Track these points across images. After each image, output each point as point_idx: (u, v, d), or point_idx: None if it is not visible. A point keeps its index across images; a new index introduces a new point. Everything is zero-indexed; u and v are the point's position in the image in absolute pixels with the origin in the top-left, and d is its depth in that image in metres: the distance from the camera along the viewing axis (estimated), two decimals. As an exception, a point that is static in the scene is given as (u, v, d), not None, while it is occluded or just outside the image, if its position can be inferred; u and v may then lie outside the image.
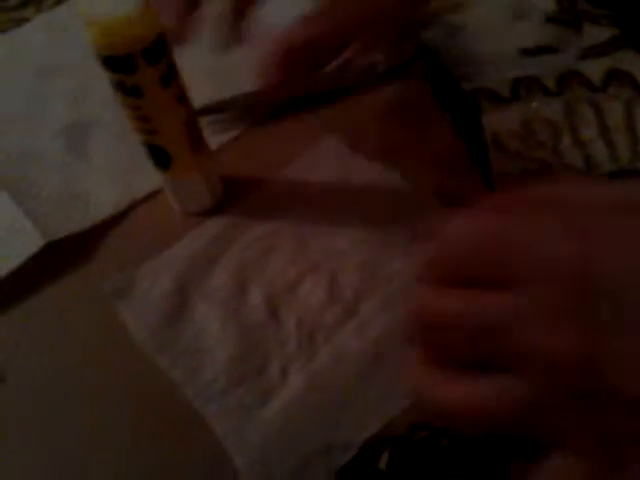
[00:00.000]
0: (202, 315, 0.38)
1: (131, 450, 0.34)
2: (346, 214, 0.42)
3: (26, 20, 0.60)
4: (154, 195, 0.45)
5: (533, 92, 0.48)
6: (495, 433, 0.33)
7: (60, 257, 0.42)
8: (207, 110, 0.48)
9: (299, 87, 0.45)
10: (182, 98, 0.38)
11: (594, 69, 0.48)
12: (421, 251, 0.30)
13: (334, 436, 0.33)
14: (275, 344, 0.37)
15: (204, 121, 0.47)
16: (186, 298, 0.39)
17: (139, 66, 0.34)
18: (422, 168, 0.43)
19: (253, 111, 0.49)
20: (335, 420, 0.34)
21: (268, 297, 0.39)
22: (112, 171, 0.47)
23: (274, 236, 0.41)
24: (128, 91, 0.36)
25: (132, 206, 0.45)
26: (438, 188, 0.42)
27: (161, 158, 0.40)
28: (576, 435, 0.22)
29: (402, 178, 0.43)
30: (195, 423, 0.35)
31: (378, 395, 0.34)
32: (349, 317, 0.37)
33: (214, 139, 0.46)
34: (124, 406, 0.36)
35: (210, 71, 0.51)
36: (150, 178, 0.45)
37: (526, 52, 0.50)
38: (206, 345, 0.37)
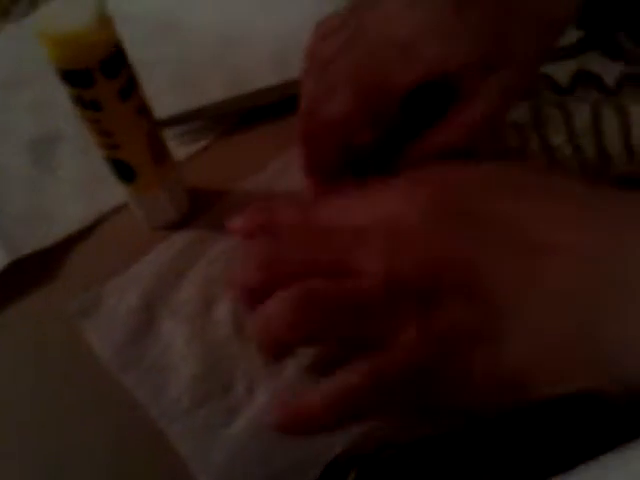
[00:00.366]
0: (168, 332, 0.37)
1: (97, 469, 0.34)
2: None
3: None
4: (120, 210, 0.44)
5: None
6: (465, 452, 0.33)
7: (24, 275, 0.41)
8: (173, 121, 0.47)
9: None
10: (143, 110, 0.37)
11: (561, 72, 0.48)
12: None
13: (302, 453, 0.33)
14: (241, 361, 0.36)
15: (170, 132, 0.46)
16: (152, 315, 0.38)
17: (97, 80, 0.34)
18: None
19: (221, 121, 0.48)
20: (301, 439, 0.33)
21: (234, 312, 0.38)
22: (78, 185, 0.46)
23: (236, 248, 0.40)
24: (87, 105, 0.35)
25: (98, 221, 0.44)
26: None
27: (124, 172, 0.39)
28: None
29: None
30: (160, 443, 0.34)
31: None
32: None
33: (181, 150, 0.46)
34: (90, 426, 0.35)
35: (176, 81, 0.51)
36: (115, 192, 0.44)
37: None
38: (171, 363, 0.36)
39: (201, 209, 0.43)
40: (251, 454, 0.33)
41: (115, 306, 0.39)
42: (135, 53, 0.36)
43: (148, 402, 0.35)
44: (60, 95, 0.46)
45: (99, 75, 0.34)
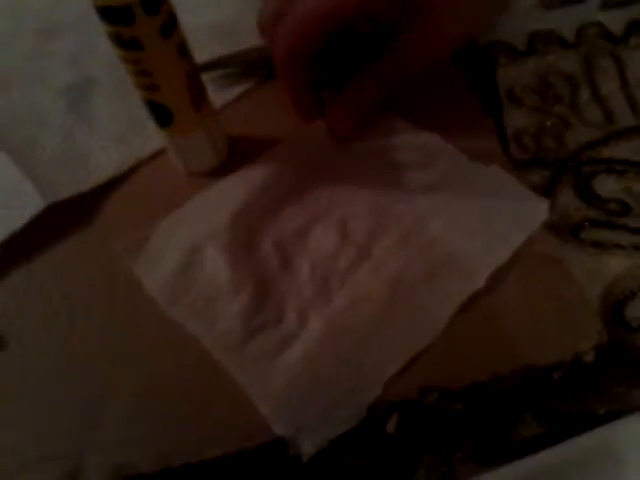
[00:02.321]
0: (213, 264, 0.37)
1: (148, 406, 0.34)
2: (355, 161, 0.41)
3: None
4: (156, 157, 0.43)
5: (550, 45, 0.46)
6: (507, 396, 0.32)
7: (61, 220, 0.41)
8: (209, 66, 0.46)
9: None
10: (183, 50, 0.36)
11: (615, 20, 0.46)
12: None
13: (358, 376, 0.33)
14: (291, 292, 0.36)
15: (206, 78, 0.45)
16: (197, 249, 0.38)
17: (137, 16, 0.33)
18: (435, 121, 0.42)
19: (258, 68, 0.47)
20: (358, 361, 0.33)
21: (279, 244, 0.38)
22: (113, 132, 0.45)
23: (281, 186, 0.40)
24: (127, 44, 0.34)
25: (134, 168, 0.43)
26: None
27: (162, 115, 0.38)
28: None
29: (414, 127, 0.42)
30: (216, 372, 0.34)
31: (397, 334, 0.34)
32: (363, 260, 0.36)
33: (217, 97, 0.44)
34: (138, 365, 0.35)
35: (211, 26, 0.49)
36: (152, 139, 0.43)
37: (546, 4, 0.48)
38: (220, 294, 0.36)
39: (240, 158, 0.42)
40: (309, 380, 0.33)
41: (162, 244, 0.39)
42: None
43: (201, 334, 0.35)
44: (98, 44, 0.46)
45: (139, 11, 0.32)
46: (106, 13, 0.33)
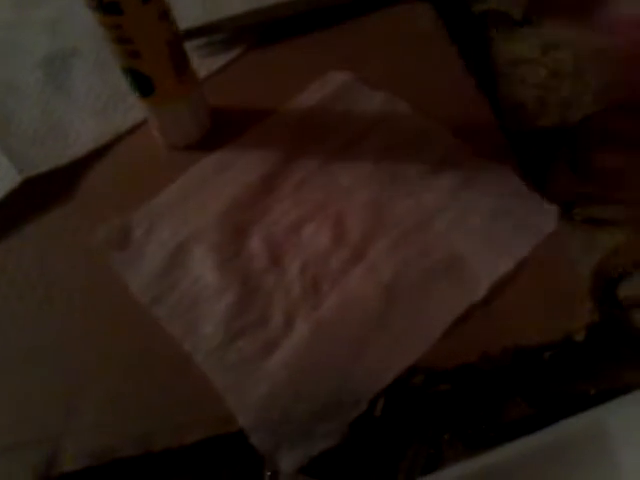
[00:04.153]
0: (199, 263, 0.35)
1: (127, 390, 0.32)
2: (350, 149, 0.39)
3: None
4: (137, 129, 0.42)
5: (547, 15, 0.44)
6: (497, 377, 0.31)
7: (40, 195, 0.40)
8: (193, 33, 0.44)
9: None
10: (165, 16, 0.34)
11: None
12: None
13: (344, 390, 0.31)
14: (277, 292, 0.34)
15: (190, 46, 0.43)
16: (182, 246, 0.36)
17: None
18: (430, 97, 0.40)
19: (245, 35, 0.45)
20: (345, 372, 0.31)
21: (269, 241, 0.36)
22: (93, 104, 0.44)
23: (273, 176, 0.38)
24: (107, 8, 0.33)
25: (114, 141, 0.42)
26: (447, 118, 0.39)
27: (143, 84, 0.36)
28: None
29: (410, 109, 0.40)
30: (193, 377, 0.32)
31: (390, 344, 0.32)
32: (357, 261, 0.34)
33: (201, 66, 0.43)
34: (114, 360, 0.33)
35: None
36: (133, 111, 0.42)
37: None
38: (204, 295, 0.34)
39: (225, 131, 0.41)
40: (291, 390, 0.31)
41: (144, 237, 0.37)
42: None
43: (181, 336, 0.33)
44: (77, 12, 0.44)
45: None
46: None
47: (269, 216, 0.36)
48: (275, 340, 0.33)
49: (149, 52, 0.35)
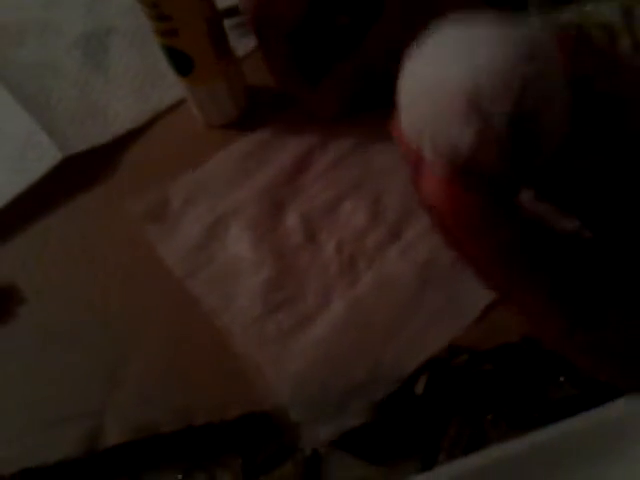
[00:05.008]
0: (236, 238, 0.36)
1: (168, 366, 0.33)
2: (387, 127, 0.38)
3: None
4: (176, 108, 0.42)
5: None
6: (540, 357, 0.31)
7: (79, 173, 0.40)
8: (231, 12, 0.44)
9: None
10: (204, -6, 0.34)
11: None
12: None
13: (377, 368, 0.31)
14: (314, 268, 0.34)
15: (228, 24, 0.43)
16: (219, 220, 0.36)
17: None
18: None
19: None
20: (378, 352, 0.31)
21: (305, 218, 0.36)
22: (131, 82, 0.44)
23: (310, 154, 0.38)
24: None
25: (152, 119, 0.42)
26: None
27: (182, 63, 0.36)
28: None
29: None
30: (230, 349, 0.32)
31: (423, 325, 0.32)
32: (393, 241, 0.34)
33: (239, 45, 0.43)
34: (149, 330, 0.34)
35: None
36: (171, 90, 0.42)
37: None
38: (240, 269, 0.34)
39: (262, 110, 0.40)
40: (327, 365, 0.31)
41: (180, 210, 0.37)
42: None
43: (218, 309, 0.33)
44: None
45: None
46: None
47: (305, 194, 0.36)
48: (312, 316, 0.33)
49: (188, 30, 0.35)
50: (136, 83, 0.44)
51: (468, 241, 0.19)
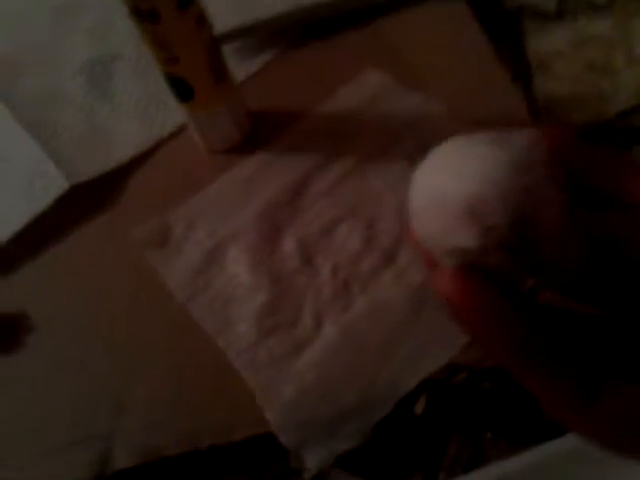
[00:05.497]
0: (234, 262, 0.36)
1: (161, 399, 0.33)
2: (384, 151, 0.39)
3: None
4: (178, 133, 0.43)
5: (581, 8, 0.44)
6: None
7: (85, 201, 0.41)
8: (229, 37, 0.45)
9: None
10: (202, 21, 0.35)
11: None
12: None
13: (370, 393, 0.31)
14: (309, 292, 0.35)
15: (227, 49, 0.44)
16: (219, 245, 0.37)
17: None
18: (465, 96, 0.40)
19: (280, 37, 0.46)
20: (371, 374, 0.32)
21: (302, 242, 0.36)
22: (135, 109, 0.45)
23: (308, 177, 0.38)
24: (145, 16, 0.33)
25: (156, 145, 0.43)
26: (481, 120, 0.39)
27: (183, 89, 0.37)
28: None
29: (445, 110, 0.40)
30: (227, 374, 0.33)
31: (417, 348, 0.32)
32: (387, 265, 0.35)
33: (239, 69, 0.44)
34: (154, 356, 0.35)
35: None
36: (174, 115, 0.43)
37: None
38: (238, 294, 0.35)
39: (264, 133, 0.41)
40: (320, 390, 0.32)
41: (182, 235, 0.38)
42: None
43: (215, 333, 0.34)
44: (117, 19, 0.45)
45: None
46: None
47: (303, 217, 0.37)
48: (305, 340, 0.33)
49: (187, 57, 0.36)
50: (140, 109, 0.44)
51: (481, 333, 0.20)
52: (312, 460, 0.30)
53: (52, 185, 0.41)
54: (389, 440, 0.30)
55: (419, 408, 0.31)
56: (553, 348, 0.19)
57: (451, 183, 0.18)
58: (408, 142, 0.39)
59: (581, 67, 0.41)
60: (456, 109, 0.39)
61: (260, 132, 0.41)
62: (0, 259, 0.39)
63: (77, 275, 0.38)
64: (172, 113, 0.43)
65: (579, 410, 0.19)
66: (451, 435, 0.30)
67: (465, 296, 0.19)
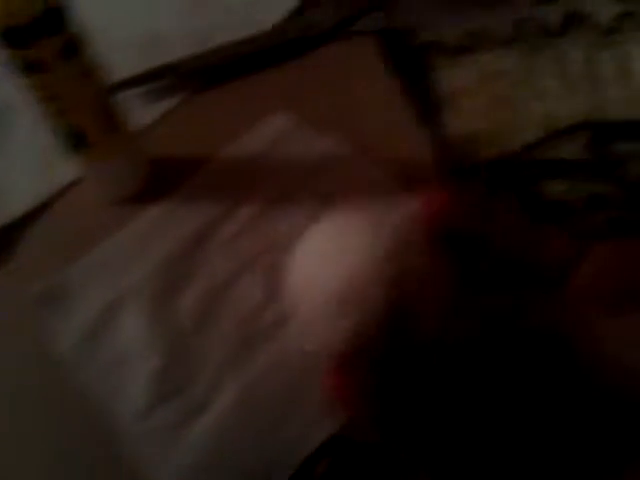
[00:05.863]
0: (130, 320, 0.34)
1: (43, 474, 0.31)
2: (289, 196, 0.38)
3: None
4: (78, 184, 0.41)
5: (488, 43, 0.44)
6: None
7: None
8: (136, 81, 0.43)
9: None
10: (89, 71, 0.34)
11: (552, 13, 0.44)
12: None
13: (272, 454, 0.29)
14: (207, 351, 0.33)
15: (132, 94, 0.43)
16: (114, 304, 0.35)
17: (35, 39, 0.31)
18: (371, 137, 0.39)
19: (186, 80, 0.45)
20: (273, 436, 0.30)
21: (202, 297, 0.34)
22: (30, 161, 0.43)
23: (211, 227, 0.37)
24: (29, 68, 0.32)
25: (55, 197, 0.41)
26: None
27: (75, 141, 0.36)
28: None
29: (351, 153, 0.39)
30: (117, 446, 0.31)
31: (316, 407, 0.30)
32: (290, 317, 0.33)
33: (144, 113, 0.42)
34: (39, 423, 0.32)
35: (136, 38, 0.47)
36: (71, 166, 0.41)
37: (481, 2, 0.46)
38: (130, 357, 0.33)
39: (168, 180, 0.39)
40: (217, 457, 0.30)
41: (77, 293, 0.35)
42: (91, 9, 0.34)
43: (104, 401, 0.32)
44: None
45: (38, 33, 0.30)
46: (5, 35, 0.31)
47: (204, 270, 0.35)
48: (200, 405, 0.31)
49: (77, 109, 0.34)
50: (35, 161, 0.42)
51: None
52: None
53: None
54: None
55: (320, 469, 0.29)
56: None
57: (322, 273, 0.18)
58: (313, 186, 0.37)
59: (487, 102, 0.41)
60: (362, 151, 0.39)
61: (164, 180, 0.40)
62: None
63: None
64: (69, 164, 0.41)
65: None
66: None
67: (339, 391, 0.19)
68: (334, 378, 0.19)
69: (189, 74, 0.45)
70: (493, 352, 0.17)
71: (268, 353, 0.32)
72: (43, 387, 0.33)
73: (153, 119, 0.43)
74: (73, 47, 0.32)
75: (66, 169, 0.41)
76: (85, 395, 0.32)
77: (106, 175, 0.38)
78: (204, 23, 0.48)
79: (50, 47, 0.31)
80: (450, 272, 0.18)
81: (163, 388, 0.32)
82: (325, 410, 0.30)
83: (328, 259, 0.18)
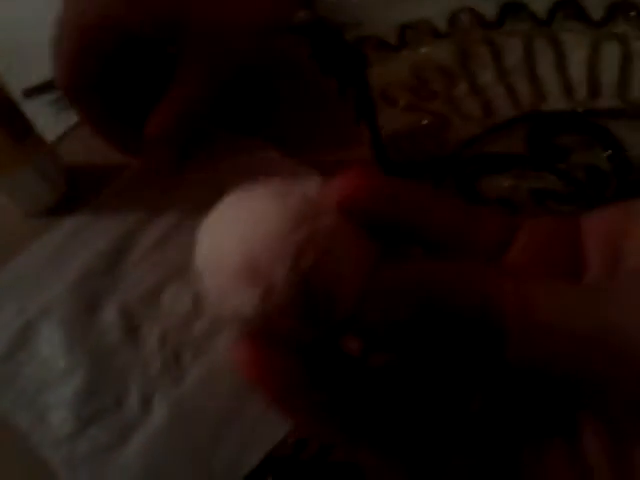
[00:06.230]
0: (46, 342, 0.31)
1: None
2: (212, 204, 0.35)
3: None
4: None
5: (422, 36, 0.42)
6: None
7: None
8: (47, 87, 0.41)
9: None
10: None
11: (488, 3, 0.43)
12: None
13: (210, 474, 0.27)
14: (134, 368, 0.30)
15: (44, 101, 0.40)
16: (29, 324, 0.32)
17: None
18: (307, 139, 0.38)
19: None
20: (209, 454, 0.28)
21: (125, 311, 0.32)
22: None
23: (129, 237, 0.34)
24: None
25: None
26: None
27: (-22, 152, 0.33)
28: None
29: (279, 155, 0.37)
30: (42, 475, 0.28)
31: (259, 417, 0.28)
32: (221, 327, 0.31)
33: (58, 121, 0.39)
34: None
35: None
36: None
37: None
38: (51, 379, 0.30)
39: (85, 191, 0.37)
40: (151, 478, 0.28)
41: None
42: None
43: (26, 428, 0.29)
44: None
45: None
46: None
47: (125, 283, 0.33)
48: (131, 425, 0.29)
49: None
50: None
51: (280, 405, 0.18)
52: None
53: None
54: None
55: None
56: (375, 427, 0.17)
57: (228, 242, 0.17)
58: (237, 188, 0.35)
59: (424, 97, 0.40)
60: (293, 154, 0.37)
61: (81, 190, 0.37)
62: None
63: None
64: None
65: None
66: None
67: (251, 370, 0.18)
68: (243, 351, 0.18)
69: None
70: (414, 329, 0.16)
71: (199, 366, 0.30)
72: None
73: (68, 127, 0.40)
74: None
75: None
76: (6, 424, 0.30)
77: (16, 187, 0.35)
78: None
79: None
80: (369, 247, 0.17)
81: (89, 410, 0.29)
82: (263, 425, 0.28)
83: (236, 226, 0.17)
